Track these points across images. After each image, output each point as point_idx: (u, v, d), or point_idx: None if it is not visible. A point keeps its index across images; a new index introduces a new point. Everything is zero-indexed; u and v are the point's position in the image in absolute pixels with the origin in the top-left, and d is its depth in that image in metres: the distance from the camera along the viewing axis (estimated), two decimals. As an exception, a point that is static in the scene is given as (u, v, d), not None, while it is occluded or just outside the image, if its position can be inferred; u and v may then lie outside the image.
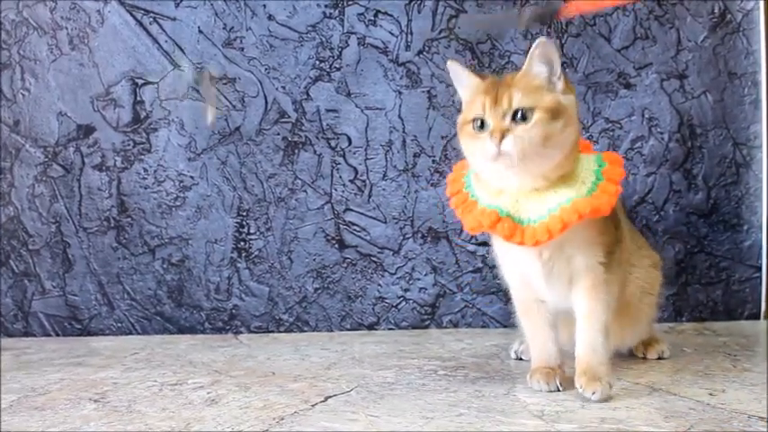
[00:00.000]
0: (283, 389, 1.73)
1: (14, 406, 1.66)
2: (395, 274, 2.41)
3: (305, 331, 2.42)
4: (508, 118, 1.55)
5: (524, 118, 1.54)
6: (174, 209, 2.43)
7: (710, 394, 1.61)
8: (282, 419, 1.50)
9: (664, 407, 1.52)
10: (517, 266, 1.70)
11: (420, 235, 2.41)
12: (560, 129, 1.56)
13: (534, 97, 1.56)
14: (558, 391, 1.64)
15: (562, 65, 1.60)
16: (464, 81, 1.67)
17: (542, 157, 1.55)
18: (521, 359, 1.96)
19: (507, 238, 1.58)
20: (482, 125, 1.57)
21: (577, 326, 1.65)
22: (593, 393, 1.56)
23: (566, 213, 1.54)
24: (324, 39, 2.40)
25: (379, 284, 2.41)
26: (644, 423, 1.42)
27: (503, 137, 1.53)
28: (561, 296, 1.68)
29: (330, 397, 1.65)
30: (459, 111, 1.69)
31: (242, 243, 2.42)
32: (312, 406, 1.59)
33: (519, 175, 1.57)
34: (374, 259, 2.41)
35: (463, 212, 1.65)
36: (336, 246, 2.41)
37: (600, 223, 1.62)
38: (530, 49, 1.57)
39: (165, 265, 2.43)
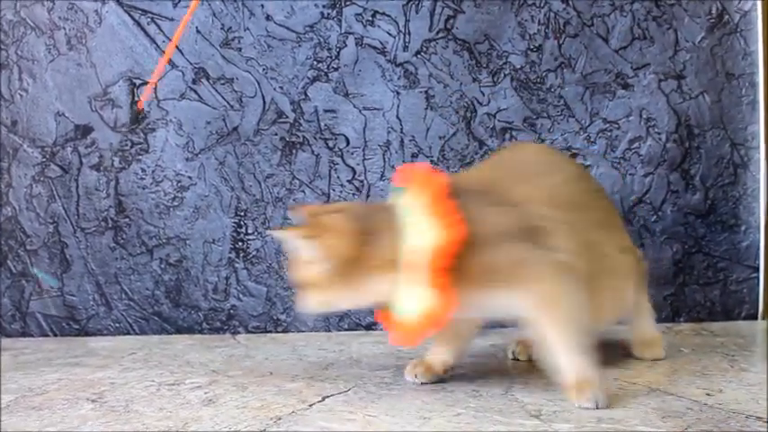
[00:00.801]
0: (281, 389, 1.73)
1: (12, 406, 1.66)
2: (393, 274, 2.40)
3: (303, 331, 2.42)
4: None
5: None
6: (171, 209, 2.43)
7: (708, 394, 1.61)
8: (280, 419, 1.50)
9: (661, 407, 1.52)
10: None
11: (418, 235, 2.40)
12: None
13: None
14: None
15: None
16: None
17: None
18: (517, 359, 1.97)
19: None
20: None
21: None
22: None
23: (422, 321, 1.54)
24: (322, 39, 2.40)
25: (377, 285, 2.41)
26: (641, 423, 1.43)
27: None
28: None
29: (328, 397, 1.65)
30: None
31: (240, 243, 2.42)
32: (310, 406, 1.59)
33: None
34: (372, 259, 2.41)
35: None
36: (334, 246, 2.41)
37: None
38: None
39: (162, 266, 2.43)
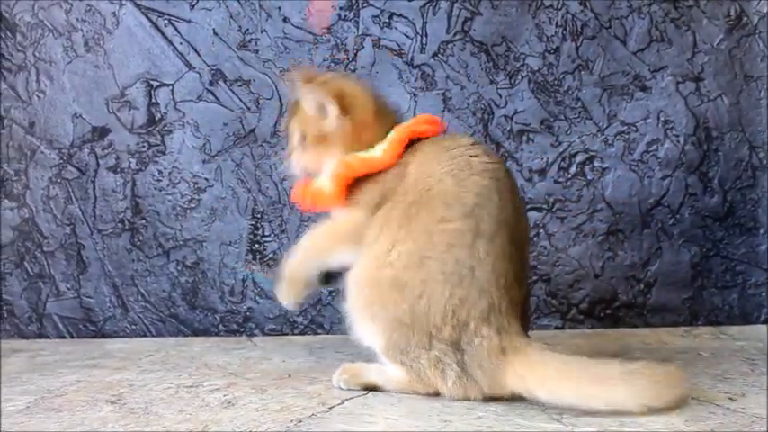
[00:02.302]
0: (300, 391, 1.73)
1: (31, 407, 1.66)
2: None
3: (319, 334, 2.42)
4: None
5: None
6: (188, 211, 2.43)
7: (730, 398, 1.60)
8: (300, 422, 1.50)
9: (684, 410, 1.51)
10: None
11: (435, 238, 2.40)
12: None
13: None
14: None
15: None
16: None
17: None
18: None
19: (311, 205, 1.88)
20: None
21: None
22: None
23: (341, 169, 1.78)
24: (339, 41, 2.39)
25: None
26: (664, 426, 1.42)
27: None
28: None
29: (347, 400, 1.65)
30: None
31: (256, 245, 2.42)
32: (330, 408, 1.59)
33: None
34: (388, 262, 2.40)
35: None
36: (351, 248, 2.41)
37: None
38: None
39: (179, 268, 2.43)
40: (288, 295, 1.85)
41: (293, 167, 1.88)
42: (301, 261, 1.82)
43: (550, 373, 1.52)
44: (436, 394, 1.63)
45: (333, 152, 1.79)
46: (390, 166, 1.73)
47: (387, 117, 1.84)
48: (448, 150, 1.70)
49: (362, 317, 1.68)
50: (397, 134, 1.76)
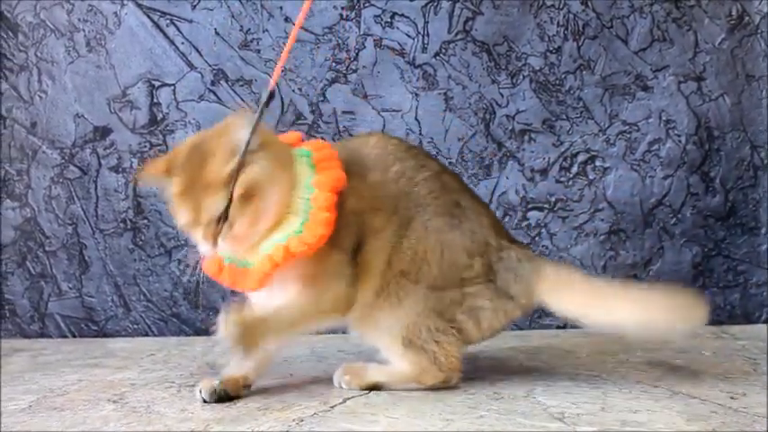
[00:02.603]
0: (302, 390, 1.73)
1: (33, 406, 1.66)
2: (411, 276, 2.40)
3: (321, 333, 2.41)
4: None
5: None
6: (190, 210, 2.42)
7: (732, 398, 1.60)
8: (302, 421, 1.50)
9: (685, 410, 1.51)
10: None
11: (436, 237, 2.40)
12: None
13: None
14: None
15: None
16: None
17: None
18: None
19: (231, 286, 1.66)
20: None
21: None
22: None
23: (276, 254, 1.58)
24: (340, 41, 2.40)
25: (395, 287, 2.40)
26: (666, 426, 1.42)
27: None
28: None
29: (349, 399, 1.65)
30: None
31: (258, 245, 2.42)
32: (331, 408, 1.59)
33: None
34: (390, 261, 2.40)
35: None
36: (352, 248, 2.41)
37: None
38: None
39: (181, 267, 2.43)
40: (240, 344, 1.58)
41: (207, 246, 1.61)
42: (276, 332, 1.63)
43: (576, 285, 1.73)
44: (444, 384, 1.68)
45: (265, 204, 1.59)
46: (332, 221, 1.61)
47: (289, 156, 1.69)
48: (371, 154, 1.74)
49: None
50: (319, 203, 1.61)
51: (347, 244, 1.65)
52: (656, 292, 1.71)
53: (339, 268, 1.65)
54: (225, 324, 1.55)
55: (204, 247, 1.61)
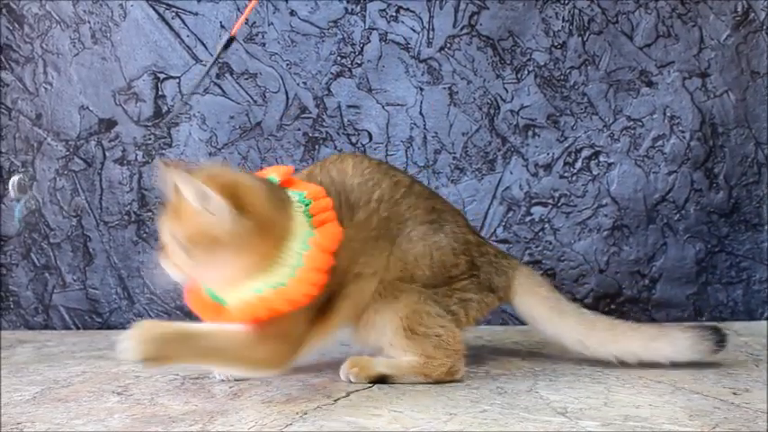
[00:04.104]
0: (305, 384, 1.73)
1: (38, 398, 1.67)
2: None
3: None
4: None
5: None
6: (194, 203, 2.43)
7: (734, 393, 1.60)
8: (306, 414, 1.50)
9: (688, 405, 1.52)
10: None
11: (440, 232, 2.40)
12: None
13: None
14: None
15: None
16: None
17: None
18: None
19: (210, 320, 1.61)
20: None
21: None
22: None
23: (257, 306, 1.55)
24: (345, 35, 2.40)
25: (399, 281, 2.41)
26: (668, 421, 1.42)
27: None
28: None
29: (352, 392, 1.65)
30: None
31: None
32: (335, 401, 1.59)
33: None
34: (394, 255, 2.41)
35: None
36: (356, 242, 2.41)
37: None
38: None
39: (185, 260, 2.44)
40: (139, 353, 1.48)
41: (172, 272, 1.61)
42: (192, 353, 1.55)
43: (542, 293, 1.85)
44: (449, 376, 1.71)
45: (228, 259, 1.54)
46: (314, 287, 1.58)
47: (284, 205, 1.62)
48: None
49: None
50: (315, 263, 1.58)
51: (318, 302, 1.62)
52: (604, 320, 1.82)
53: (296, 327, 1.61)
54: (135, 336, 1.48)
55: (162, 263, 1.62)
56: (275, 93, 2.41)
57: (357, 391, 1.66)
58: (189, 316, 2.41)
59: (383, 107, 2.40)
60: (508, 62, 2.39)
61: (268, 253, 1.56)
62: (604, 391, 1.63)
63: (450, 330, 1.73)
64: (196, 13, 2.41)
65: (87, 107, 2.45)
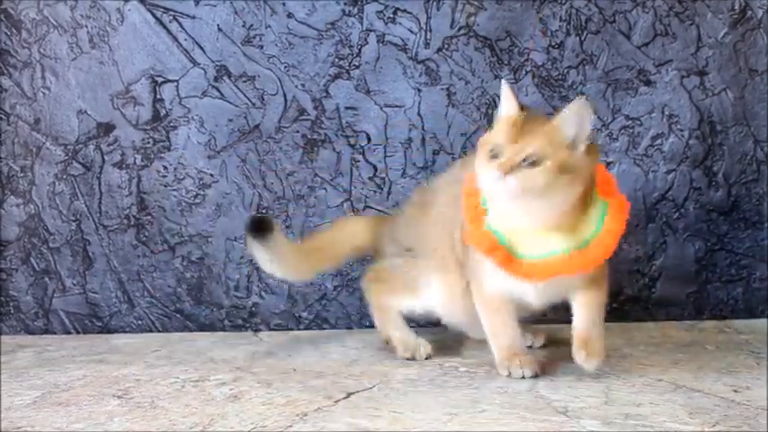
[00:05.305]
0: (305, 385, 1.74)
1: (38, 402, 1.67)
2: (414, 271, 2.40)
3: (324, 329, 2.42)
4: (520, 158, 1.61)
5: (533, 164, 1.61)
6: (193, 206, 2.43)
7: (735, 391, 1.60)
8: (306, 415, 1.51)
9: (688, 403, 1.52)
10: (506, 282, 1.75)
11: (439, 232, 2.40)
12: (565, 183, 1.63)
13: (550, 150, 1.63)
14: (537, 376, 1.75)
15: (595, 129, 1.66)
16: (505, 104, 1.75)
17: (540, 203, 1.64)
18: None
19: (501, 266, 1.70)
20: (496, 155, 1.64)
21: (577, 309, 1.78)
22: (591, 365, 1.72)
23: (563, 264, 1.67)
24: (343, 36, 2.40)
25: (399, 282, 2.40)
26: (669, 419, 1.42)
27: (509, 172, 1.61)
28: (549, 299, 1.81)
29: (352, 393, 1.66)
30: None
31: (261, 241, 2.42)
32: (335, 402, 1.59)
33: (516, 213, 1.68)
34: (393, 257, 2.40)
35: (471, 226, 1.74)
36: (356, 243, 2.41)
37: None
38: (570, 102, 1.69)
39: (184, 263, 2.44)
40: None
41: (507, 185, 1.62)
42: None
43: None
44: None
45: (573, 192, 1.67)
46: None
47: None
48: None
49: None
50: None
51: None
52: None
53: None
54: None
55: (494, 175, 1.63)
56: (273, 95, 2.41)
57: (357, 392, 1.67)
58: (189, 319, 2.42)
59: (381, 108, 2.40)
60: (506, 62, 2.39)
61: (590, 204, 1.71)
62: (605, 389, 1.63)
63: None
64: (193, 17, 2.41)
65: (85, 111, 2.44)
